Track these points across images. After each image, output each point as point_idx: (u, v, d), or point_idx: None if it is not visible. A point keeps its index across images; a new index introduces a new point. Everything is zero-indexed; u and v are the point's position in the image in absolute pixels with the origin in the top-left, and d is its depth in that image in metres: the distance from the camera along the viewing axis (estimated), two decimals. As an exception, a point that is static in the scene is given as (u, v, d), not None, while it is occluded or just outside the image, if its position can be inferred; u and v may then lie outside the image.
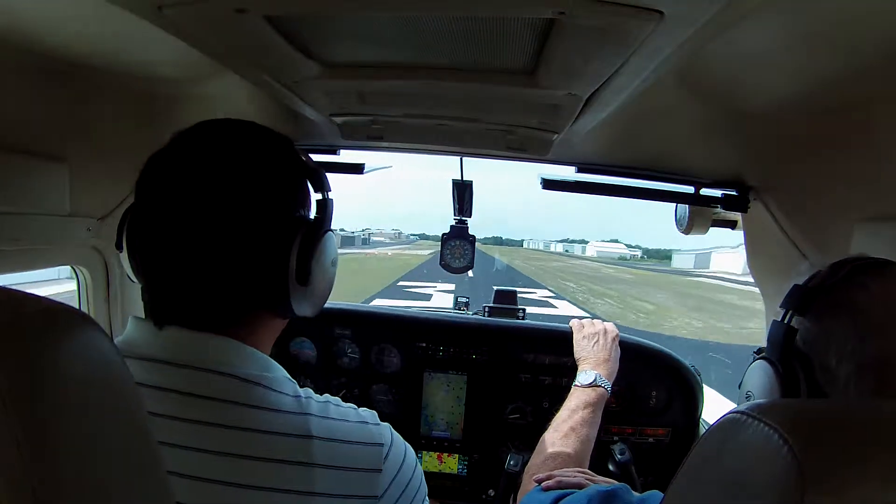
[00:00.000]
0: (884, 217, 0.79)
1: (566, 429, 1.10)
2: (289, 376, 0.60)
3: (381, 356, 1.52)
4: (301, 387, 0.61)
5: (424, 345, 1.50)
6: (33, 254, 0.98)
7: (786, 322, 0.61)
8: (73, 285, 1.19)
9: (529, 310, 1.79)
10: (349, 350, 1.53)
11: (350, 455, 0.57)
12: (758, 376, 0.63)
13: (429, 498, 1.45)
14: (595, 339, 1.28)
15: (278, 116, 1.03)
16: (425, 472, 1.56)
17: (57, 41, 0.70)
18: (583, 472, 0.95)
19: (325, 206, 0.62)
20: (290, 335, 1.51)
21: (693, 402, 1.44)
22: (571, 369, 1.27)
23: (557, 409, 1.17)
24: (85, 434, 0.32)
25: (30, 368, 0.30)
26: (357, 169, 1.32)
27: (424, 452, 1.50)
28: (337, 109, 0.95)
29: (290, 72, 0.75)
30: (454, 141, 1.14)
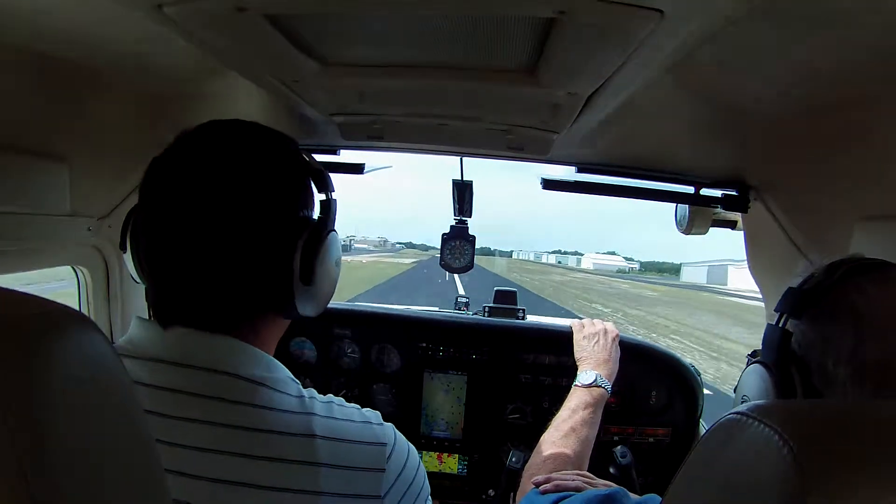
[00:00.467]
0: (884, 217, 0.79)
1: (566, 429, 1.09)
2: (292, 377, 0.60)
3: (381, 356, 1.52)
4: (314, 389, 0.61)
5: (424, 345, 1.49)
6: (33, 253, 0.98)
7: (781, 325, 0.60)
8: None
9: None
10: (349, 350, 1.53)
11: (354, 455, 0.57)
12: (753, 380, 0.62)
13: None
14: (595, 340, 1.28)
15: (278, 116, 1.03)
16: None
17: (57, 41, 0.70)
18: (581, 475, 0.95)
19: (328, 207, 0.63)
20: (290, 335, 1.51)
21: (693, 402, 1.44)
22: (571, 369, 1.27)
23: (557, 409, 1.17)
24: (82, 435, 0.32)
25: (27, 369, 0.30)
26: (357, 169, 1.32)
27: (424, 452, 1.49)
28: (337, 109, 0.95)
29: (290, 71, 0.75)
30: (454, 141, 1.14)
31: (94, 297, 1.19)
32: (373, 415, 0.63)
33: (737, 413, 0.36)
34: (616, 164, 1.25)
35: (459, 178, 1.39)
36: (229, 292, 0.57)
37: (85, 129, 0.92)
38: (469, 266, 1.46)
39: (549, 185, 1.29)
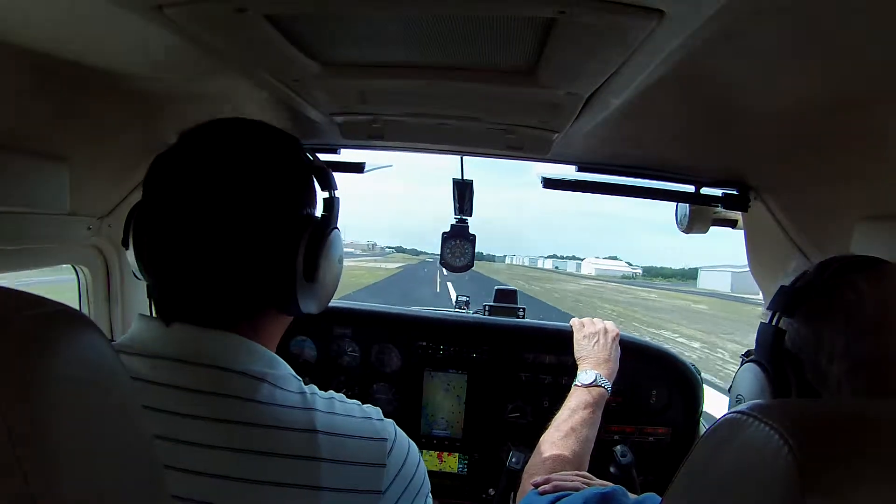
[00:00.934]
0: (884, 217, 0.79)
1: (566, 429, 1.09)
2: (294, 373, 0.61)
3: (381, 355, 1.52)
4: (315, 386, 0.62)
5: (424, 344, 1.50)
6: (34, 253, 0.98)
7: (774, 324, 0.60)
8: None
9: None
10: (349, 349, 1.53)
11: (354, 450, 0.57)
12: (747, 379, 0.62)
13: (430, 496, 1.44)
14: (595, 339, 1.28)
15: (278, 116, 1.03)
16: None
17: (57, 41, 0.70)
18: (580, 476, 0.95)
19: (331, 205, 0.63)
20: (290, 334, 1.51)
21: (693, 402, 1.44)
22: (572, 368, 1.27)
23: (558, 409, 1.17)
24: (81, 434, 0.32)
25: (26, 369, 0.30)
26: (357, 168, 1.32)
27: (424, 451, 1.50)
28: (337, 108, 0.95)
29: (290, 71, 0.75)
30: (454, 140, 1.13)
31: (95, 296, 1.19)
32: (373, 410, 0.63)
33: (737, 412, 0.36)
34: (616, 163, 1.24)
35: (460, 178, 1.39)
36: (232, 289, 0.58)
37: (85, 129, 0.92)
38: (469, 265, 1.46)
39: (549, 183, 1.29)
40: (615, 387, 1.23)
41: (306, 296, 0.60)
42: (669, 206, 1.43)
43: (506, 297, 1.79)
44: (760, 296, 1.29)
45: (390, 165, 1.49)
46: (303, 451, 0.54)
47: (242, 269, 0.57)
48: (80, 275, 1.18)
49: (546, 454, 1.06)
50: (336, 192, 0.64)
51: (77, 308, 1.15)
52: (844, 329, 0.54)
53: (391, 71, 0.75)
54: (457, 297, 2.03)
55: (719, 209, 1.33)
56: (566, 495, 0.77)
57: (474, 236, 1.46)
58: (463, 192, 1.40)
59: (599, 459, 1.26)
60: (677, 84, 0.72)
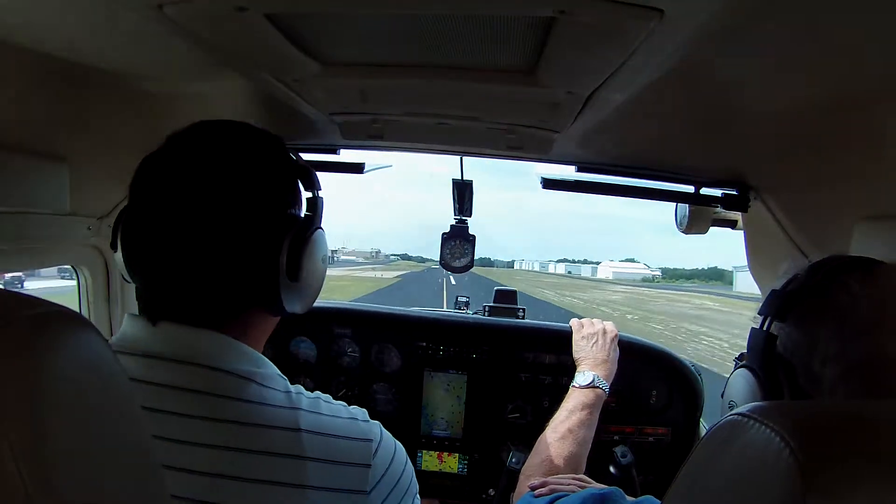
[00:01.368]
0: (884, 217, 0.79)
1: (564, 430, 1.10)
2: (280, 373, 0.61)
3: (381, 355, 1.52)
4: (301, 386, 0.62)
5: (424, 344, 1.50)
6: (34, 253, 0.98)
7: (765, 328, 0.60)
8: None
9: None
10: (349, 349, 1.53)
11: (339, 449, 0.58)
12: (740, 385, 0.62)
13: (430, 497, 1.45)
14: (594, 340, 1.28)
15: (278, 115, 1.03)
16: (425, 472, 1.55)
17: (57, 41, 0.70)
18: (577, 479, 0.95)
19: (315, 204, 0.64)
20: (290, 335, 1.52)
21: (693, 402, 1.44)
22: (571, 369, 1.27)
23: (557, 409, 1.17)
24: (80, 435, 0.32)
25: (24, 370, 0.30)
26: (357, 168, 1.32)
27: (424, 452, 1.50)
28: (337, 108, 0.95)
29: (290, 70, 0.75)
30: (454, 140, 1.13)
31: (94, 297, 1.19)
32: (359, 412, 0.64)
33: (737, 414, 0.36)
34: (616, 163, 1.24)
35: (459, 178, 1.39)
36: (216, 288, 0.58)
37: (85, 129, 0.92)
38: (469, 265, 1.46)
39: (549, 184, 1.29)
40: (615, 387, 1.23)
41: (290, 295, 0.61)
42: (670, 207, 1.42)
43: (505, 298, 1.79)
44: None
45: (390, 165, 1.49)
46: (288, 449, 0.55)
47: (226, 269, 0.57)
48: (80, 275, 1.18)
49: (543, 456, 1.07)
50: (320, 192, 0.64)
51: (77, 308, 1.15)
52: (838, 331, 0.53)
53: (391, 70, 0.75)
54: (456, 298, 2.02)
55: (719, 209, 1.33)
56: (563, 495, 0.77)
57: (474, 237, 1.46)
58: (462, 193, 1.40)
59: (599, 460, 1.26)
60: (677, 84, 0.72)
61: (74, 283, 1.19)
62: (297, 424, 0.56)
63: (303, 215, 0.64)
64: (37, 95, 0.79)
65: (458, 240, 1.46)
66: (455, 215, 1.46)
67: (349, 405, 0.65)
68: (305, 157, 1.29)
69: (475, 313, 1.77)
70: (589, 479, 0.96)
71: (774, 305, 0.60)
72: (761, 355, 0.59)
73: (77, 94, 0.84)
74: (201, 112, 0.68)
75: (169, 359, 0.55)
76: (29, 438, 0.29)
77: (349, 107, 0.94)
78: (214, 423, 0.54)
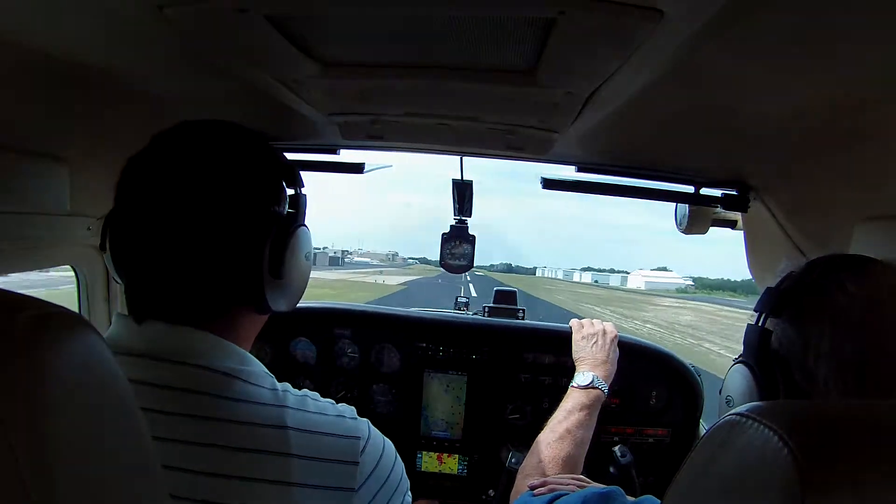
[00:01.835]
0: (884, 217, 0.79)
1: (562, 430, 1.10)
2: (266, 371, 0.62)
3: (380, 356, 1.52)
4: (300, 387, 0.63)
5: (424, 345, 1.50)
6: (33, 253, 0.98)
7: (760, 325, 0.60)
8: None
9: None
10: (349, 350, 1.53)
11: (326, 446, 0.58)
12: (736, 381, 0.62)
13: (430, 498, 1.45)
14: (594, 340, 1.28)
15: (278, 116, 1.03)
16: (425, 473, 1.55)
17: (57, 41, 0.70)
18: (576, 479, 0.95)
19: (298, 202, 0.64)
20: (289, 335, 1.52)
21: (693, 403, 1.44)
22: (571, 369, 1.27)
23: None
24: (79, 435, 0.32)
25: (24, 371, 0.30)
26: (357, 168, 1.32)
27: (424, 453, 1.50)
28: (337, 109, 0.95)
29: (290, 71, 0.75)
30: (454, 140, 1.13)
31: (94, 297, 1.19)
32: (347, 409, 0.64)
33: (737, 414, 0.36)
34: (616, 163, 1.24)
35: (459, 178, 1.39)
36: (201, 287, 0.59)
37: (85, 129, 0.92)
38: (469, 266, 1.46)
39: (549, 184, 1.29)
40: (615, 388, 1.23)
41: (275, 293, 0.61)
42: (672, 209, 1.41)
43: (505, 299, 1.79)
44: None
45: (390, 166, 1.49)
46: (274, 446, 0.55)
47: (210, 267, 0.58)
48: (80, 275, 1.18)
49: (541, 455, 1.07)
50: (302, 189, 0.65)
51: (77, 308, 1.14)
52: (831, 328, 0.54)
53: (391, 71, 0.75)
54: (456, 299, 2.02)
55: (719, 210, 1.33)
56: (563, 494, 0.77)
57: (474, 237, 1.46)
58: (463, 193, 1.40)
59: (599, 460, 1.25)
60: (677, 84, 0.72)
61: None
62: (283, 422, 0.56)
63: (286, 213, 0.64)
64: (37, 95, 0.79)
65: (458, 240, 1.46)
66: (455, 216, 1.46)
67: (349, 406, 0.65)
68: (306, 157, 1.29)
69: (475, 314, 1.77)
70: (588, 480, 0.96)
71: (770, 302, 0.60)
72: (757, 351, 0.60)
73: (77, 94, 0.84)
74: (200, 112, 0.68)
75: (153, 357, 0.56)
76: (29, 439, 0.29)
77: (349, 107, 0.94)
78: (198, 420, 0.54)
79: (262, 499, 0.54)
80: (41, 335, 0.31)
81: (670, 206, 1.41)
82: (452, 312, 1.79)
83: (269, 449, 0.54)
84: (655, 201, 1.32)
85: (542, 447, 1.08)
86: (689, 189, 1.23)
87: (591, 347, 1.27)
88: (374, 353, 1.52)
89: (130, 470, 0.37)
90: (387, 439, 0.66)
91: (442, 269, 1.45)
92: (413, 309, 1.68)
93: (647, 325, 25.18)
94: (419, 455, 1.49)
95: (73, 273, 1.17)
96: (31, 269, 0.99)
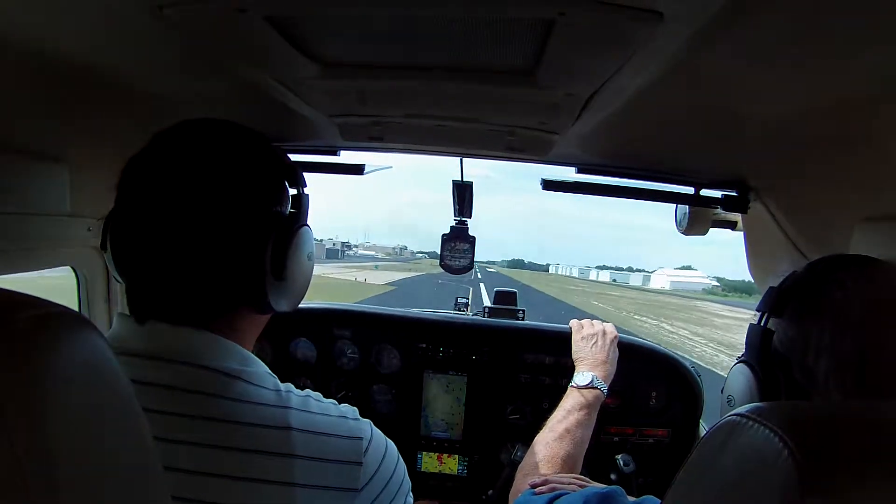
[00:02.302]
0: (884, 217, 0.79)
1: (561, 430, 1.10)
2: (269, 371, 0.62)
3: (380, 357, 1.52)
4: (301, 387, 0.62)
5: (424, 345, 1.50)
6: (33, 253, 0.98)
7: (762, 324, 0.61)
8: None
9: None
10: (349, 350, 1.53)
11: (329, 447, 0.58)
12: (738, 380, 0.63)
13: (430, 499, 1.45)
14: (594, 340, 1.28)
15: (278, 117, 1.03)
16: (425, 473, 1.55)
17: (57, 41, 0.70)
18: (577, 479, 0.95)
19: (300, 202, 0.64)
20: (289, 335, 1.52)
21: (693, 403, 1.44)
22: (571, 370, 1.27)
23: None
24: (81, 435, 0.32)
25: (26, 370, 0.30)
26: (357, 169, 1.32)
27: (424, 453, 1.49)
28: (337, 110, 0.95)
29: (290, 72, 0.75)
30: (454, 142, 1.14)
31: (94, 298, 1.19)
32: (349, 410, 0.64)
33: (736, 415, 0.36)
34: (616, 164, 1.25)
35: (459, 179, 1.39)
36: (203, 287, 0.58)
37: (85, 129, 0.92)
38: (469, 266, 1.46)
39: (549, 185, 1.30)
40: (614, 388, 1.23)
41: (276, 293, 0.61)
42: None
43: (505, 299, 1.79)
44: None
45: (390, 167, 1.49)
46: (277, 447, 0.55)
47: (212, 267, 0.58)
48: (80, 276, 1.18)
49: (540, 455, 1.07)
50: (305, 188, 0.65)
51: (77, 309, 1.14)
52: (831, 327, 0.54)
53: (391, 72, 0.75)
54: (456, 299, 2.03)
55: (719, 211, 1.33)
56: (563, 493, 0.77)
57: (474, 238, 1.46)
58: (463, 194, 1.40)
59: (600, 463, 1.25)
60: (676, 86, 0.72)
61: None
62: (287, 423, 0.56)
63: (288, 212, 0.64)
64: (37, 96, 0.79)
65: (458, 241, 1.46)
66: (455, 216, 1.46)
67: (351, 406, 0.65)
68: (305, 158, 1.29)
69: (475, 314, 1.77)
70: (588, 479, 0.96)
71: (771, 301, 0.60)
72: (758, 350, 0.60)
73: (77, 94, 0.84)
74: (201, 113, 0.68)
75: (155, 357, 0.56)
76: (30, 439, 0.29)
77: (349, 108, 0.94)
78: (199, 420, 0.54)
79: (265, 500, 0.53)
80: (43, 335, 0.31)
81: (674, 208, 1.41)
82: (452, 313, 1.79)
83: (271, 450, 0.54)
84: (657, 202, 1.32)
85: (542, 446, 1.08)
86: (689, 190, 1.23)
87: (591, 348, 1.27)
88: (374, 354, 1.52)
89: (132, 470, 0.37)
90: (389, 440, 0.66)
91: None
92: (413, 309, 1.68)
93: (695, 341, 17.99)
94: (419, 455, 1.49)
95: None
96: (31, 270, 0.99)
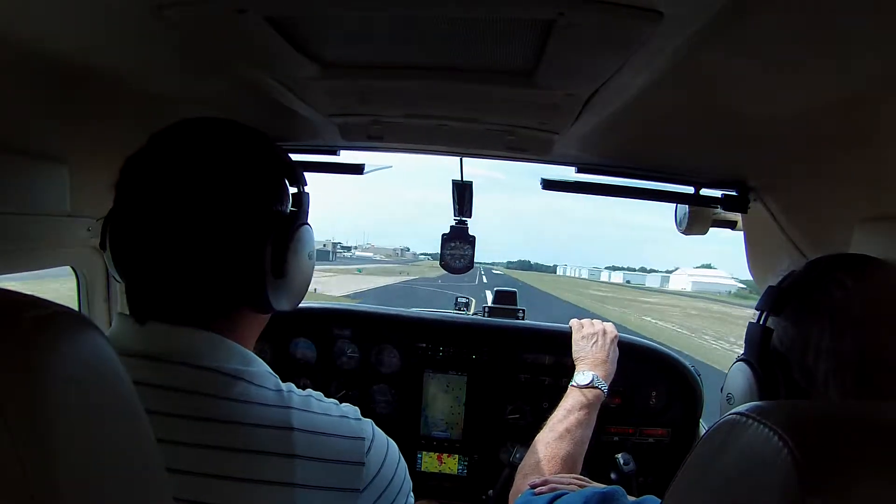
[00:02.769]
0: (884, 216, 0.79)
1: (561, 430, 1.10)
2: (271, 371, 0.61)
3: (380, 356, 1.52)
4: (301, 387, 0.62)
5: (424, 345, 1.50)
6: (33, 254, 0.98)
7: (762, 323, 0.61)
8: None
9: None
10: (349, 350, 1.53)
11: (331, 447, 0.58)
12: (737, 379, 0.63)
13: (430, 499, 1.45)
14: (594, 340, 1.28)
15: (278, 117, 1.03)
16: (425, 473, 1.55)
17: (57, 41, 0.70)
18: (577, 479, 0.95)
19: (300, 200, 0.64)
20: (289, 335, 1.52)
21: (693, 403, 1.44)
22: (571, 369, 1.27)
23: None
24: (82, 435, 0.32)
25: (27, 370, 0.30)
26: (357, 169, 1.32)
27: (424, 453, 1.49)
28: (337, 110, 0.95)
29: (290, 72, 0.75)
30: (454, 141, 1.14)
31: (94, 298, 1.19)
32: (351, 410, 0.64)
33: (736, 414, 0.36)
34: (616, 164, 1.25)
35: (459, 179, 1.39)
36: (203, 286, 0.58)
37: (85, 130, 0.92)
38: (469, 267, 1.46)
39: (549, 185, 1.30)
40: (615, 388, 1.23)
41: (277, 292, 0.60)
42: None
43: (505, 299, 1.79)
44: None
45: (390, 167, 1.49)
46: (278, 448, 0.55)
47: (211, 267, 0.57)
48: (80, 276, 1.18)
49: (540, 454, 1.07)
50: (305, 187, 0.64)
51: (77, 309, 1.14)
52: (831, 327, 0.54)
53: (391, 72, 0.75)
54: (456, 299, 2.03)
55: (719, 210, 1.33)
56: (564, 493, 0.77)
57: (474, 238, 1.46)
58: (462, 194, 1.40)
59: (600, 462, 1.25)
60: (676, 85, 0.72)
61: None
62: (288, 423, 0.56)
63: (288, 211, 0.64)
64: (37, 95, 0.79)
65: (458, 241, 1.46)
66: (455, 216, 1.46)
67: (352, 406, 0.64)
68: (305, 157, 1.29)
69: (475, 314, 1.77)
70: (588, 479, 0.96)
71: (770, 300, 0.60)
72: (758, 349, 0.60)
73: (77, 94, 0.84)
74: (201, 113, 0.68)
75: (156, 358, 0.55)
76: (32, 439, 0.29)
77: (348, 108, 0.94)
78: (200, 422, 0.53)
79: (267, 500, 0.53)
80: (44, 335, 0.31)
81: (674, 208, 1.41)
82: (452, 313, 1.79)
83: (273, 450, 0.54)
84: (658, 202, 1.33)
85: (542, 446, 1.08)
86: (689, 190, 1.23)
87: (591, 347, 1.27)
88: (374, 354, 1.52)
89: (133, 470, 0.37)
90: (391, 440, 0.66)
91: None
92: (413, 309, 1.69)
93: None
94: (419, 455, 1.49)
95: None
96: (30, 270, 0.99)
